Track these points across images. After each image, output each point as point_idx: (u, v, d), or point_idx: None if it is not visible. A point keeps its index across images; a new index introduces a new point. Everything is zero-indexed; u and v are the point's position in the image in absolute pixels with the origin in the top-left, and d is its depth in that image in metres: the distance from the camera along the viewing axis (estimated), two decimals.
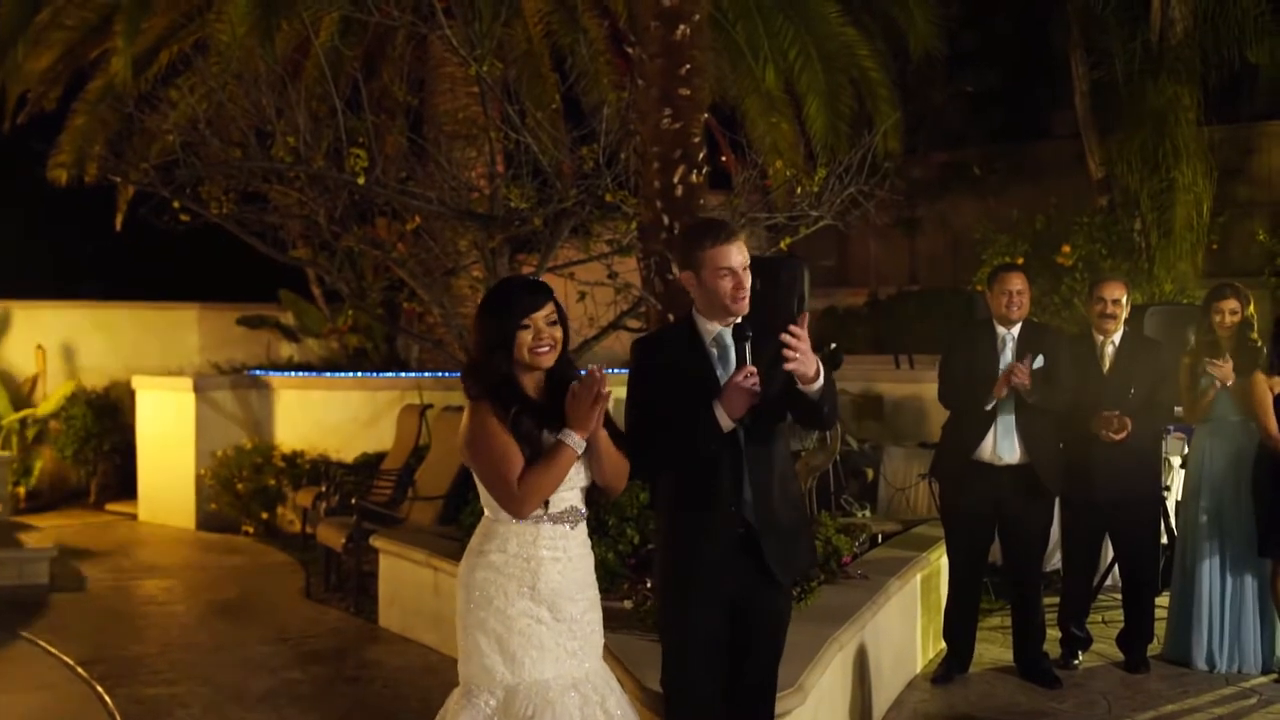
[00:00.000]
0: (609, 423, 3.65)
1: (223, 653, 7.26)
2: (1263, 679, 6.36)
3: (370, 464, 10.16)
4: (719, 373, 3.79)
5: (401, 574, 7.62)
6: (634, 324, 7.73)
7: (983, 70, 16.57)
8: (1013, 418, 6.11)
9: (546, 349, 3.61)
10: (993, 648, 6.82)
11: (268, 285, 13.22)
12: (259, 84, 7.69)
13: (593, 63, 11.03)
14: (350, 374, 12.22)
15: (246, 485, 11.27)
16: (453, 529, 7.64)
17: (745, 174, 8.38)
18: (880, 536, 7.51)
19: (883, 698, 5.89)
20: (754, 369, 3.63)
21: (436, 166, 8.00)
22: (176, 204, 7.97)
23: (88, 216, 13.11)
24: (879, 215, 8.61)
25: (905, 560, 6.70)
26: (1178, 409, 6.76)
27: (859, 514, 8.09)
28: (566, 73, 11.26)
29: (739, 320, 3.78)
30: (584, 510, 3.74)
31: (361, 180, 7.31)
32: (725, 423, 3.68)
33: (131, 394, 12.64)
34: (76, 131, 11.90)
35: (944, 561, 6.82)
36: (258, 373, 12.57)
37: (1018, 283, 6.19)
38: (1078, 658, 6.65)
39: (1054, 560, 7.28)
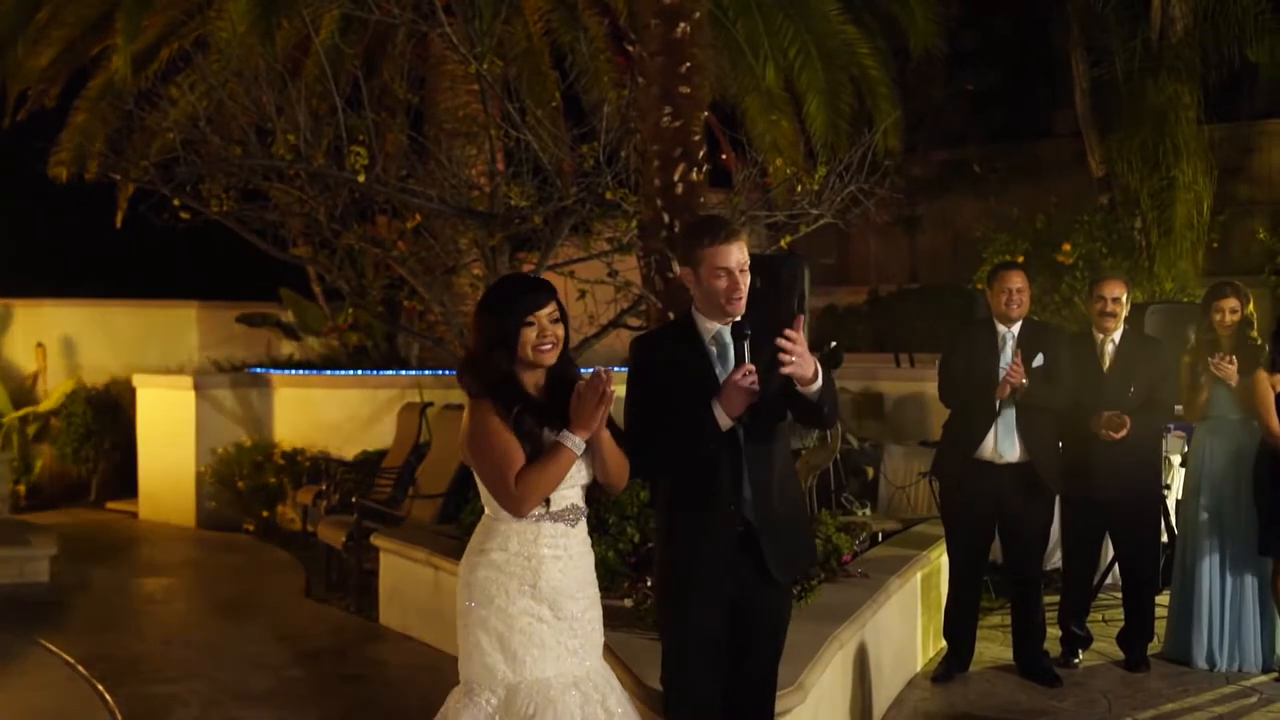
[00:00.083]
0: (610, 421, 3.65)
1: (223, 651, 7.26)
2: (1263, 678, 6.37)
3: (371, 462, 10.16)
4: (718, 371, 3.78)
5: (402, 572, 7.62)
6: (634, 322, 7.73)
7: (983, 69, 16.56)
8: (1013, 416, 6.11)
9: (549, 347, 3.61)
10: (993, 646, 6.82)
11: (268, 283, 13.20)
12: (259, 81, 7.69)
13: (593, 60, 11.02)
14: (350, 372, 12.22)
15: (247, 483, 11.27)
16: (453, 527, 7.64)
17: (745, 172, 8.38)
18: (880, 535, 7.51)
19: (883, 696, 5.89)
20: (752, 367, 3.62)
21: (437, 164, 8.00)
22: (177, 202, 7.97)
23: (88, 214, 13.10)
24: (879, 213, 8.62)
25: (905, 559, 6.70)
26: (1178, 407, 6.76)
27: (859, 512, 8.09)
28: (567, 70, 11.26)
29: (738, 319, 3.78)
30: (584, 508, 3.74)
31: (362, 178, 7.31)
32: (724, 421, 3.68)
33: (132, 392, 12.63)
34: (77, 129, 11.89)
35: (944, 560, 6.82)
36: (258, 371, 12.57)
37: (1017, 281, 6.19)
38: (1078, 656, 6.65)
39: (1054, 559, 7.29)
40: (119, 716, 6.00)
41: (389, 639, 7.54)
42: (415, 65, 11.62)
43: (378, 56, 11.64)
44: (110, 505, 12.82)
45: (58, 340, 13.66)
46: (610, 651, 4.17)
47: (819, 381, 3.66)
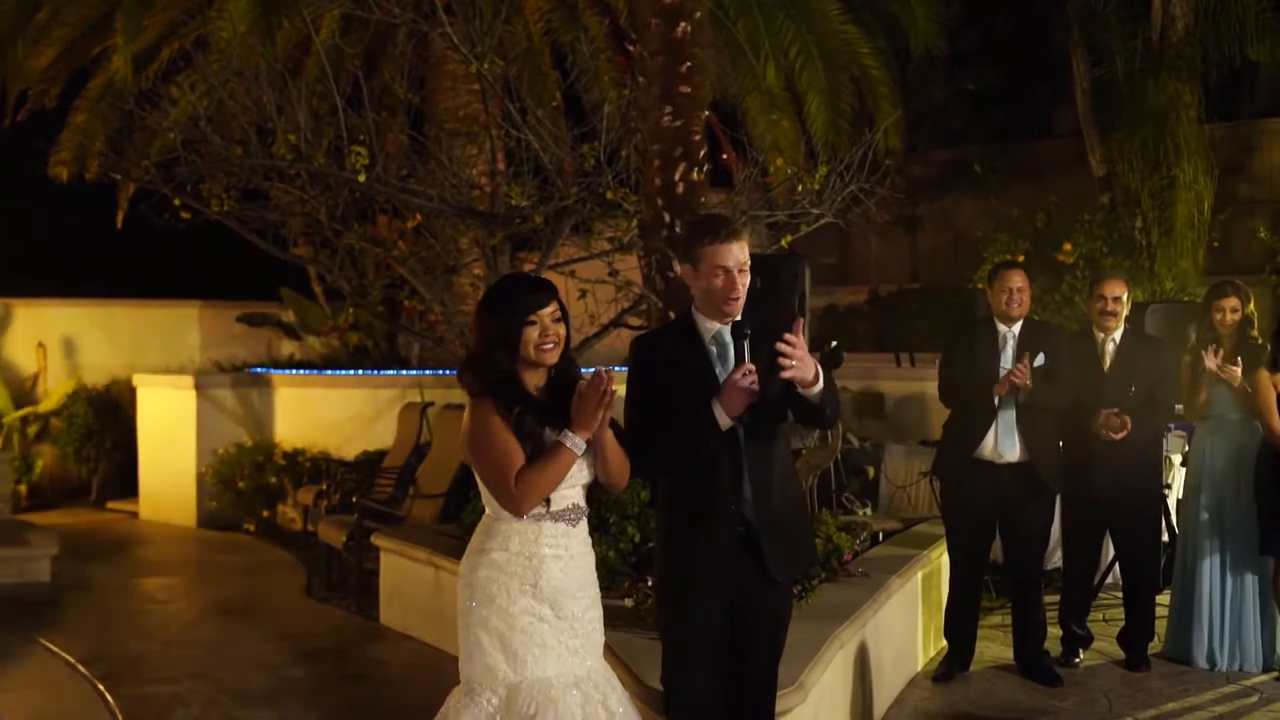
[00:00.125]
0: (612, 421, 3.65)
1: (224, 651, 7.26)
2: (1263, 677, 6.37)
3: (371, 462, 10.16)
4: (718, 371, 3.78)
5: (402, 572, 7.62)
6: (635, 322, 7.73)
7: (984, 68, 16.56)
8: (1013, 416, 6.11)
9: (551, 346, 3.62)
10: (993, 646, 6.82)
11: (269, 283, 13.21)
12: (260, 81, 7.69)
13: (593, 60, 11.02)
14: (351, 372, 12.23)
15: (247, 483, 11.28)
16: (454, 527, 7.64)
17: (746, 171, 8.37)
18: (881, 534, 7.51)
19: (884, 696, 5.89)
20: (752, 367, 3.61)
21: (437, 164, 7.99)
22: (177, 201, 7.97)
23: (89, 214, 13.10)
24: (880, 213, 8.61)
25: (906, 558, 6.70)
26: (1178, 407, 6.76)
27: (860, 512, 8.09)
28: (567, 70, 11.26)
29: (737, 319, 3.77)
30: (585, 508, 3.74)
31: (362, 178, 7.31)
32: (724, 421, 3.67)
33: (133, 391, 12.64)
34: (77, 129, 11.89)
35: (945, 559, 6.81)
36: (259, 370, 12.58)
37: (1018, 280, 6.19)
38: (1078, 656, 6.65)
39: (1055, 558, 7.28)
40: (119, 716, 6.00)
41: (389, 639, 7.54)
42: (416, 65, 11.62)
43: (378, 56, 11.64)
44: (111, 505, 12.82)
45: (58, 340, 13.67)
46: (610, 651, 4.17)
47: (820, 383, 3.66)
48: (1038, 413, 6.10)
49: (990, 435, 6.13)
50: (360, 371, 12.20)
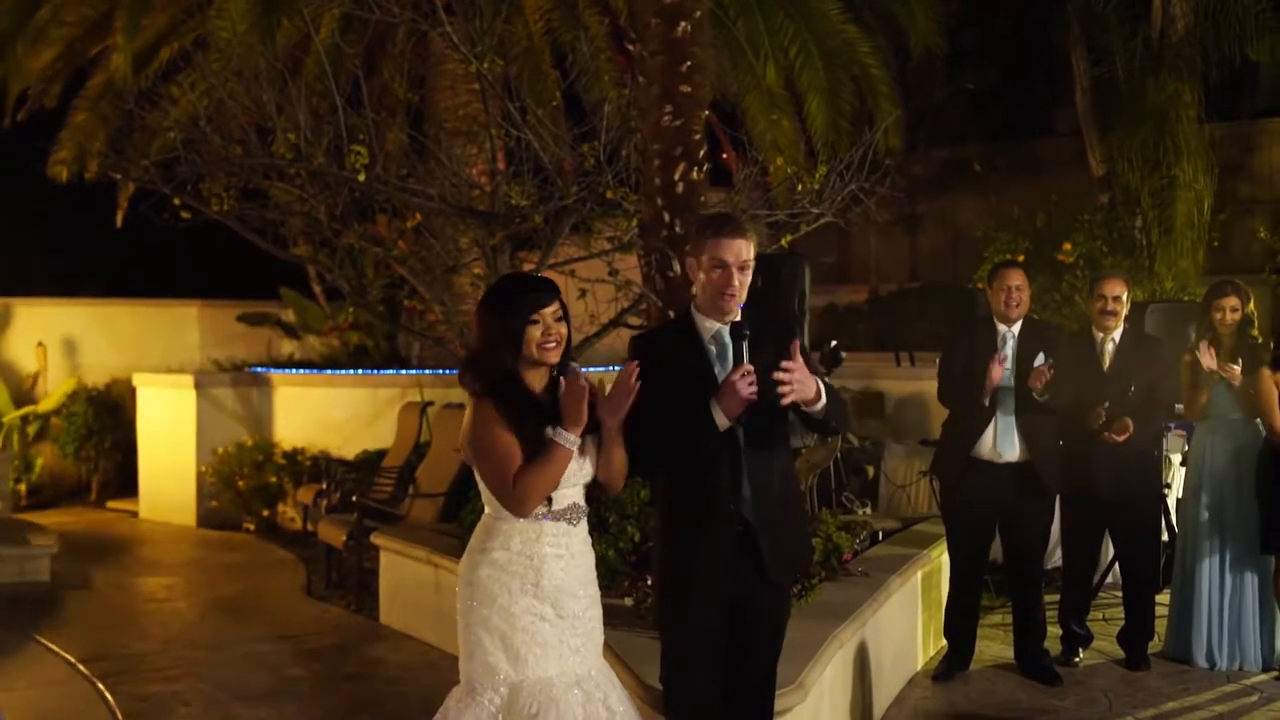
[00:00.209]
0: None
1: (224, 650, 7.26)
2: (1263, 676, 6.37)
3: (371, 461, 10.16)
4: (717, 371, 3.77)
5: (402, 571, 7.62)
6: (635, 321, 7.72)
7: (983, 67, 16.57)
8: (1013, 416, 6.11)
9: (554, 345, 3.62)
10: (993, 645, 6.82)
11: (268, 282, 13.21)
12: (259, 81, 7.69)
13: (593, 60, 11.02)
14: (351, 371, 12.22)
15: (247, 482, 11.28)
16: (453, 526, 7.65)
17: (746, 171, 8.37)
18: (881, 534, 7.52)
19: (883, 695, 5.90)
20: (750, 368, 3.61)
21: (437, 163, 7.99)
22: (177, 201, 7.96)
23: (89, 213, 13.11)
24: (880, 212, 8.61)
25: (906, 557, 6.71)
26: (1178, 406, 6.76)
27: (860, 511, 8.09)
28: (567, 70, 11.26)
29: (737, 318, 3.77)
30: (585, 507, 3.75)
31: (362, 177, 7.31)
32: (722, 421, 3.67)
33: (132, 391, 12.64)
34: (77, 128, 11.89)
35: (945, 559, 6.82)
36: (259, 370, 12.57)
37: (1016, 279, 6.19)
38: (1078, 655, 6.65)
39: (1054, 558, 7.28)
40: (119, 715, 6.00)
41: (389, 638, 7.54)
42: (415, 64, 11.62)
43: (378, 55, 11.64)
44: (111, 504, 12.82)
45: (58, 340, 13.66)
46: (610, 650, 4.17)
47: (822, 400, 3.66)
48: (1037, 412, 6.10)
49: (989, 435, 6.13)
50: (360, 371, 12.20)
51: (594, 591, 3.78)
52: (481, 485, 3.68)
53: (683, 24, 6.96)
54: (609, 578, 5.41)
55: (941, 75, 16.02)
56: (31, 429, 13.12)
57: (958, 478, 6.33)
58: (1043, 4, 14.68)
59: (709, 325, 3.84)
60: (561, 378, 3.61)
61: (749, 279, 3.79)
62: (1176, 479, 7.71)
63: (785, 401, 3.57)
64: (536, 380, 3.66)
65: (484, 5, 7.85)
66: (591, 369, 3.56)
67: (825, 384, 3.73)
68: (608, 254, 8.07)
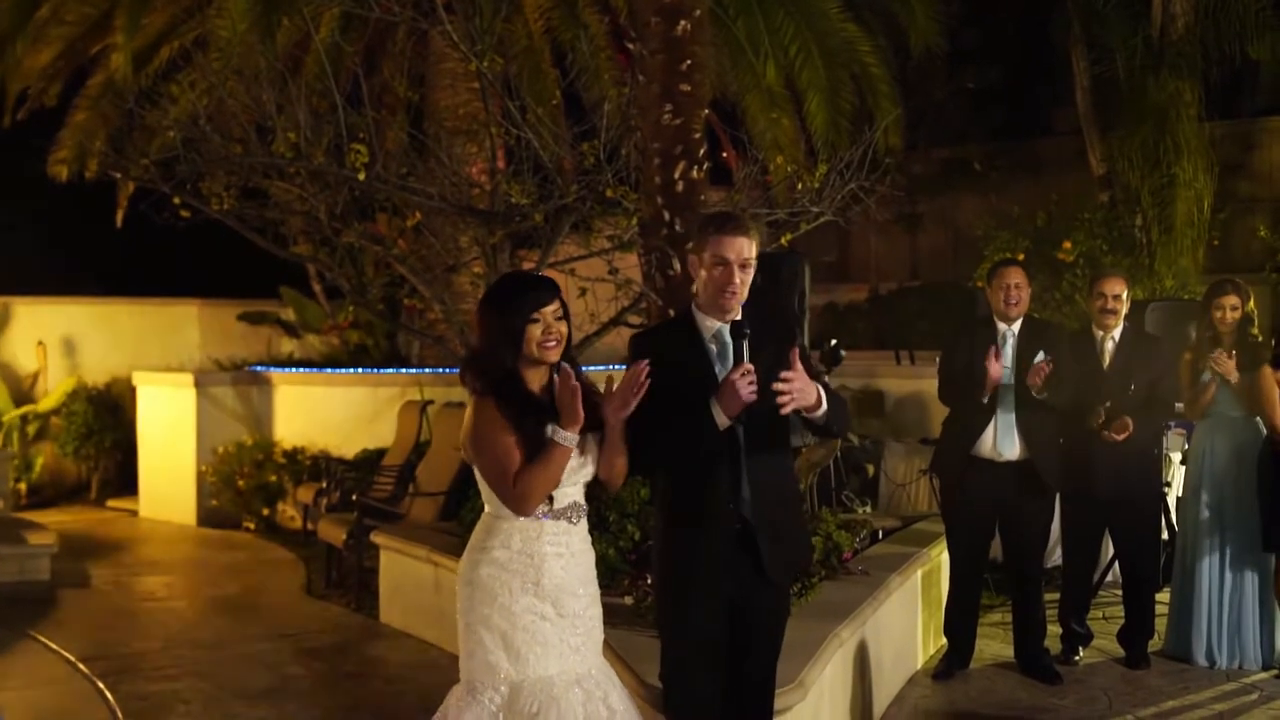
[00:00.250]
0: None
1: (224, 649, 7.26)
2: (1263, 675, 6.37)
3: (371, 460, 10.16)
4: (717, 370, 3.76)
5: (402, 570, 7.62)
6: (635, 320, 7.72)
7: (984, 66, 16.56)
8: (1013, 414, 6.11)
9: (554, 344, 3.62)
10: (993, 643, 6.82)
11: (268, 281, 13.21)
12: (259, 80, 7.69)
13: (593, 58, 11.01)
14: (351, 370, 12.22)
15: (247, 481, 11.28)
16: (453, 525, 7.65)
17: (746, 170, 8.37)
18: (881, 532, 7.52)
19: (883, 693, 5.90)
20: (750, 367, 3.60)
21: (437, 162, 7.99)
22: (177, 200, 7.96)
23: (89, 212, 13.10)
24: (880, 211, 8.62)
25: (906, 556, 6.71)
26: (1178, 405, 6.76)
27: (860, 510, 8.09)
28: (567, 68, 11.25)
29: (738, 317, 3.77)
30: (585, 505, 3.75)
31: (362, 176, 7.30)
32: (722, 420, 3.66)
33: (132, 390, 12.63)
34: (77, 127, 11.89)
35: (944, 557, 6.82)
36: (259, 369, 12.56)
37: (1015, 277, 6.19)
38: (1078, 653, 6.65)
39: (1054, 556, 7.28)
40: (119, 714, 6.00)
41: (389, 637, 7.54)
42: (415, 63, 11.62)
43: (378, 54, 11.64)
44: (111, 503, 12.82)
45: (58, 339, 13.66)
46: (610, 649, 4.17)
47: (824, 405, 3.67)
48: (1037, 411, 6.10)
49: (990, 433, 6.13)
50: (360, 370, 12.20)
51: (594, 590, 3.78)
52: (482, 484, 3.68)
53: (683, 22, 6.95)
54: (609, 576, 5.40)
55: (942, 74, 16.01)
56: (31, 428, 13.11)
57: (958, 476, 6.33)
58: (1043, 3, 14.66)
59: (710, 324, 3.83)
60: (554, 376, 3.61)
61: (751, 277, 3.79)
62: (1176, 477, 7.71)
63: (786, 410, 3.57)
64: (537, 379, 3.67)
65: (484, 4, 7.86)
66: (591, 368, 3.55)
67: (826, 387, 3.73)
68: (608, 253, 8.07)
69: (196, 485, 11.65)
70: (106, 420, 13.10)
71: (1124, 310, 6.50)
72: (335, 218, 8.02)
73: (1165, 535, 7.37)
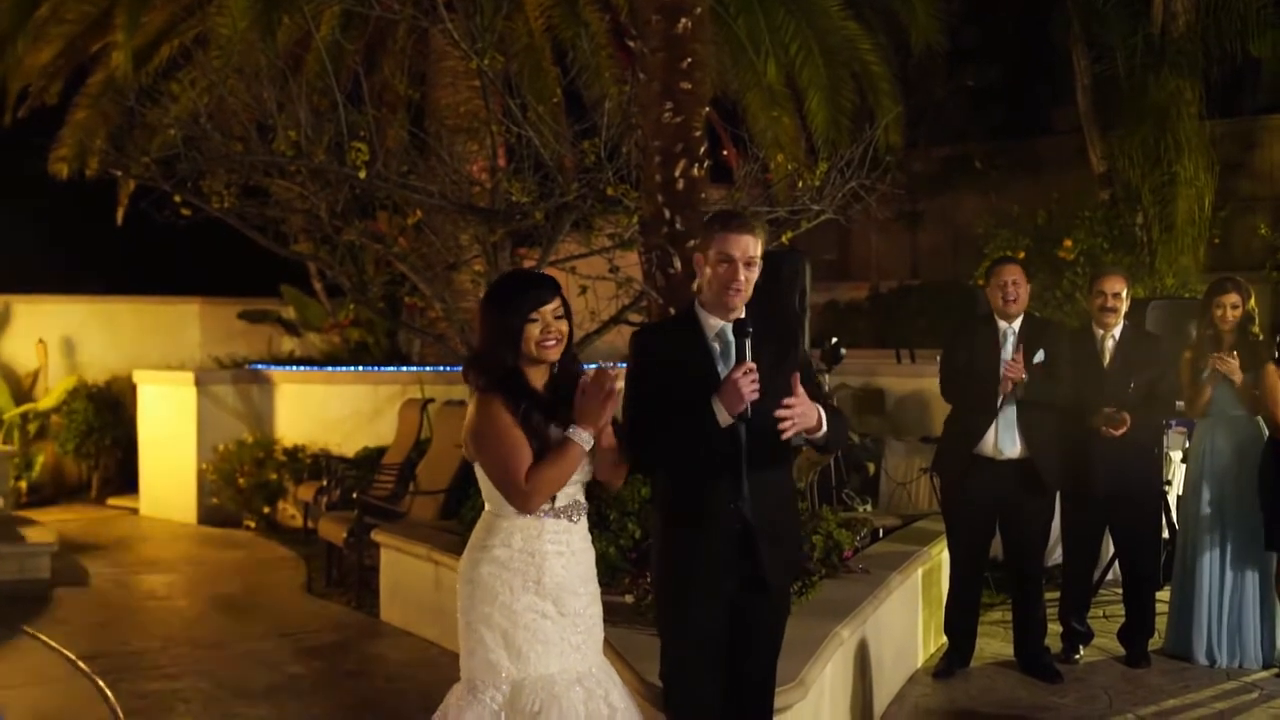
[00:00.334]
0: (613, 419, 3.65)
1: (224, 648, 7.26)
2: (1263, 674, 6.37)
3: (371, 458, 10.16)
4: (719, 368, 3.75)
5: (403, 568, 7.62)
6: (635, 318, 7.72)
7: (984, 65, 16.55)
8: (1014, 412, 6.11)
9: (554, 342, 3.62)
10: (994, 642, 6.82)
11: (269, 279, 13.21)
12: (260, 78, 7.68)
13: (594, 57, 11.02)
14: (352, 368, 12.22)
15: (248, 480, 11.28)
16: (454, 523, 7.65)
17: (747, 168, 8.36)
18: (881, 531, 7.52)
19: (884, 692, 5.90)
20: (753, 365, 3.60)
21: (438, 160, 7.99)
22: (178, 198, 7.95)
23: (89, 211, 13.10)
24: (880, 209, 8.61)
25: (906, 555, 6.71)
26: (1179, 403, 6.75)
27: (860, 508, 8.09)
28: (568, 67, 11.25)
29: (741, 315, 3.76)
30: (585, 504, 3.75)
31: (363, 174, 7.30)
32: (724, 419, 3.65)
33: (133, 388, 12.64)
34: (77, 125, 11.89)
35: (945, 556, 6.82)
36: (259, 367, 12.56)
37: (1013, 274, 6.19)
38: (1079, 652, 6.65)
39: (1055, 555, 7.28)
40: (119, 713, 6.00)
41: (390, 635, 7.54)
42: (416, 61, 11.63)
43: (378, 52, 11.65)
44: (111, 502, 12.83)
45: (59, 337, 13.66)
46: (611, 647, 4.17)
47: (824, 427, 3.67)
48: (1038, 409, 6.10)
49: (990, 432, 6.13)
50: (361, 368, 12.20)
51: (594, 589, 3.78)
52: (483, 482, 3.68)
53: (683, 20, 6.95)
54: (609, 575, 5.41)
55: (942, 72, 16.01)
56: (32, 426, 13.11)
57: (959, 475, 6.33)
58: (1043, 1, 14.66)
59: (713, 322, 3.82)
60: (581, 376, 3.61)
61: (755, 275, 3.79)
62: (1177, 476, 7.71)
63: (787, 435, 3.57)
64: (538, 377, 3.67)
65: (484, 2, 7.85)
66: (591, 366, 3.55)
67: (826, 406, 3.73)
68: (608, 251, 8.06)
69: (197, 483, 11.65)
70: (107, 418, 13.10)
71: (1124, 308, 6.50)
72: (336, 216, 8.02)
73: (1166, 534, 7.36)
